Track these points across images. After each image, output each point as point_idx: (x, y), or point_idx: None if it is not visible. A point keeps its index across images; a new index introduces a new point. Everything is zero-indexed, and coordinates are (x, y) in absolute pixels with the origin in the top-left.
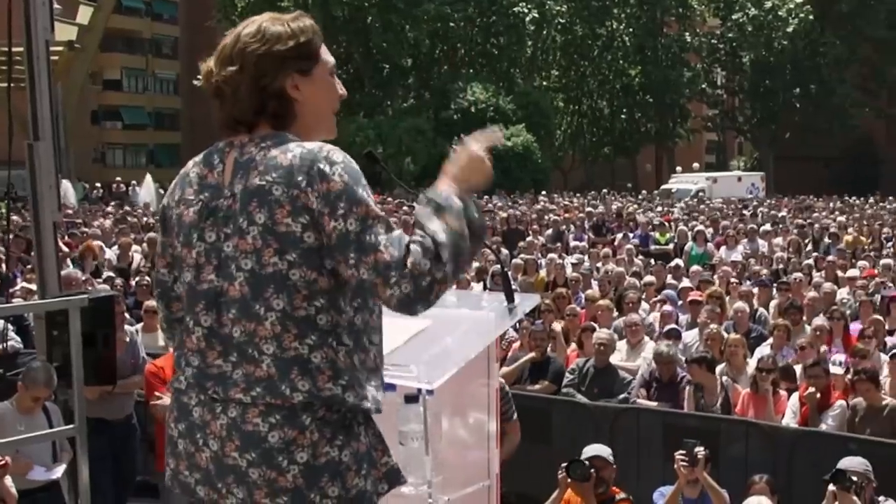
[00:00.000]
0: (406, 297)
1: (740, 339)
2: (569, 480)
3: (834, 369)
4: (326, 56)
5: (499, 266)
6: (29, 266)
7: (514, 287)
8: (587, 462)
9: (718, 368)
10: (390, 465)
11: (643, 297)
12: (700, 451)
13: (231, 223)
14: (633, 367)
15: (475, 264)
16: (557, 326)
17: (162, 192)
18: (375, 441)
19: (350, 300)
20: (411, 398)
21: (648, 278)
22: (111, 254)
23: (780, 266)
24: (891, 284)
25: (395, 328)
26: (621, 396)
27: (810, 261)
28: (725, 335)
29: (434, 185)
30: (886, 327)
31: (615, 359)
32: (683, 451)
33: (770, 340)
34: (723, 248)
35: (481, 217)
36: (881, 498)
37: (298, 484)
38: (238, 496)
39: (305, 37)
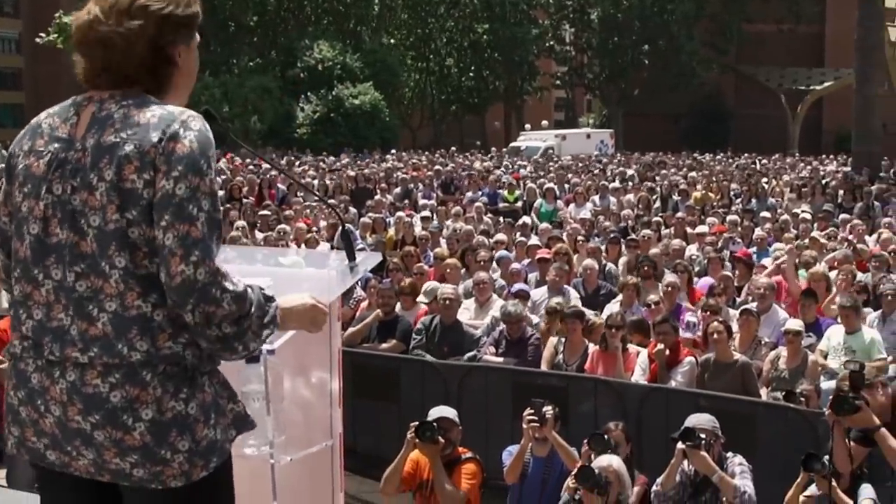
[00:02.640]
0: (192, 283)
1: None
2: (417, 441)
3: (685, 334)
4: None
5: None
6: None
7: (362, 246)
8: (435, 424)
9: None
10: (236, 411)
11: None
12: (548, 410)
13: (79, 177)
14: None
15: (322, 222)
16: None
17: (4, 152)
18: (221, 389)
19: None
20: (252, 358)
21: (499, 236)
22: None
23: (629, 223)
24: (739, 240)
25: None
26: (470, 354)
27: (659, 217)
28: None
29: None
30: (735, 283)
31: (464, 317)
32: (531, 410)
33: (619, 297)
34: (572, 206)
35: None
36: (729, 454)
37: (147, 441)
38: (88, 457)
39: (197, 6)
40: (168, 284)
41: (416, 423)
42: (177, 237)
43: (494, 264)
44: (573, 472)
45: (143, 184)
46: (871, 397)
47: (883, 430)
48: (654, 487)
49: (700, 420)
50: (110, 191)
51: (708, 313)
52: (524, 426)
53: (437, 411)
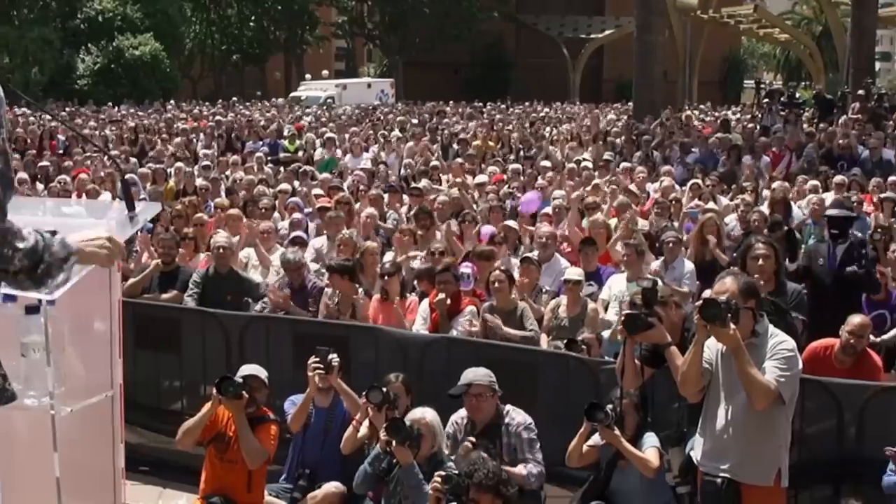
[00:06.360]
0: None
1: (376, 246)
2: (221, 397)
3: (463, 287)
4: None
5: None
6: None
7: (142, 196)
8: (241, 380)
9: None
10: None
11: (275, 204)
12: (333, 357)
13: None
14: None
15: (103, 173)
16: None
17: None
18: None
19: None
20: (32, 309)
21: (282, 185)
22: None
23: (411, 172)
24: (519, 195)
25: None
26: (258, 307)
27: (439, 165)
28: (363, 244)
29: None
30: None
31: (250, 266)
32: (317, 358)
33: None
34: (348, 156)
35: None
36: (508, 407)
37: None
38: None
39: None
40: None
41: (219, 378)
42: None
43: (276, 214)
44: (385, 426)
45: None
46: (665, 314)
47: (673, 347)
48: None
49: (477, 375)
50: None
51: (481, 261)
52: (309, 374)
53: (248, 369)
